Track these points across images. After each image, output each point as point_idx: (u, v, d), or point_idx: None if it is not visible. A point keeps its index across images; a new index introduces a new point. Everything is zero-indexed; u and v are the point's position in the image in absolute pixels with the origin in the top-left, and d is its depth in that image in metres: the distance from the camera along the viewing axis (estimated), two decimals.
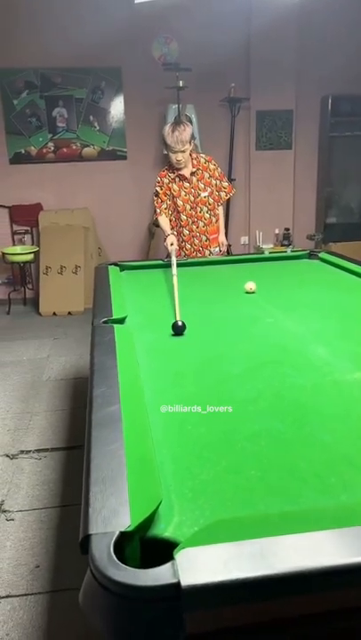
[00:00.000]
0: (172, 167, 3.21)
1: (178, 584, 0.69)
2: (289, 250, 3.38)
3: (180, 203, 3.24)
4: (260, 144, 5.44)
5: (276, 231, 5.53)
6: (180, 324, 1.83)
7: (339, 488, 0.95)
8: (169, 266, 3.13)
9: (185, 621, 0.70)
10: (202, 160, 3.25)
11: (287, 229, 5.47)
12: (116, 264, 3.07)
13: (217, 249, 3.41)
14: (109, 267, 2.97)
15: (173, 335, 1.83)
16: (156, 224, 3.41)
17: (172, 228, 3.29)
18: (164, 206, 3.25)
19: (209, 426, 1.19)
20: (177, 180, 3.22)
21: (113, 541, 0.78)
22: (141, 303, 2.30)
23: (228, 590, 0.70)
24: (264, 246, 5.30)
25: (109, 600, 0.72)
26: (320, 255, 3.16)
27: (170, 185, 3.22)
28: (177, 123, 3.10)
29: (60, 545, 1.96)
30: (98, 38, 4.79)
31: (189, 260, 3.21)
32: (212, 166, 3.28)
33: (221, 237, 3.44)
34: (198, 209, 3.27)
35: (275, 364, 1.55)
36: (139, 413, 1.21)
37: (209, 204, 3.27)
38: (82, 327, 4.57)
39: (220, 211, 3.41)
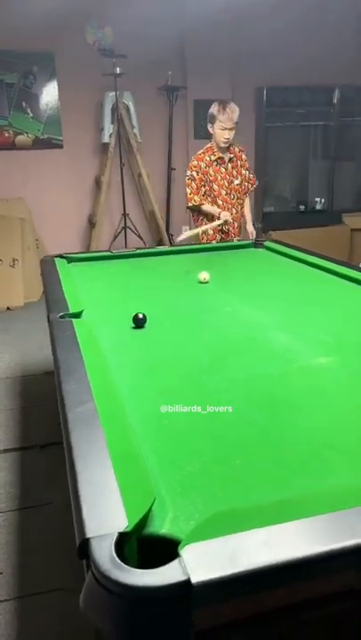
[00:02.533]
0: (209, 150, 3.26)
1: (188, 581, 0.69)
2: (235, 239, 3.42)
3: (215, 187, 3.30)
4: (199, 133, 5.44)
5: None
6: (140, 316, 1.81)
7: (324, 472, 0.97)
8: (118, 257, 3.08)
9: (195, 618, 0.70)
10: (236, 150, 3.36)
11: None
12: (62, 256, 2.98)
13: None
14: (56, 259, 2.88)
15: (135, 328, 1.80)
16: (193, 209, 3.41)
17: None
18: (202, 193, 3.30)
19: (187, 418, 1.19)
20: (215, 163, 3.26)
21: (113, 543, 0.76)
22: (96, 296, 2.24)
23: (239, 582, 0.70)
24: None
25: (117, 603, 0.70)
26: (265, 244, 3.22)
27: (207, 169, 3.25)
28: (225, 101, 3.17)
29: (24, 549, 1.90)
30: (29, 21, 4.58)
31: (137, 252, 3.18)
32: (244, 156, 3.42)
33: (249, 227, 3.52)
34: (232, 195, 3.36)
35: (240, 354, 1.56)
36: (115, 409, 1.18)
37: (239, 193, 3.40)
38: (24, 322, 4.42)
39: (247, 201, 3.51)
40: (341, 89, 5.46)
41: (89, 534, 0.78)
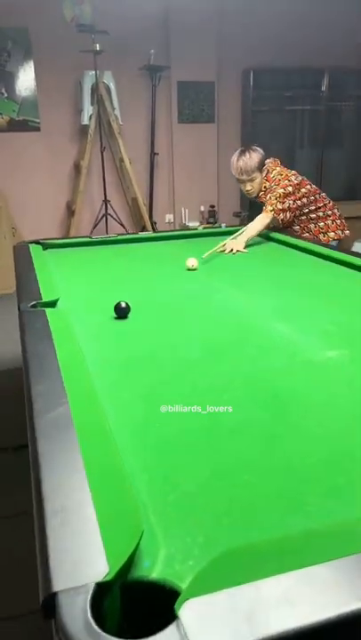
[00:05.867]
0: None
1: None
2: (223, 225, 3.23)
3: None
4: (182, 116, 5.23)
5: (202, 208, 5.38)
6: (123, 305, 1.61)
7: (349, 490, 0.79)
8: (97, 243, 2.87)
9: None
10: (271, 175, 2.92)
11: (212, 206, 5.34)
12: (37, 242, 2.76)
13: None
14: (31, 245, 2.66)
15: (116, 318, 1.61)
16: None
17: None
18: None
19: (179, 422, 1.00)
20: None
21: (89, 600, 0.57)
22: (74, 284, 2.04)
23: None
24: (190, 224, 5.14)
25: None
26: None
27: None
28: (244, 150, 2.86)
29: None
30: None
31: (118, 237, 2.98)
32: (268, 184, 2.90)
33: (241, 240, 2.64)
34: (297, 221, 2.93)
35: (237, 345, 1.38)
36: (93, 413, 0.99)
37: (283, 222, 2.86)
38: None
39: (259, 221, 2.77)
40: (331, 72, 5.28)
41: (57, 587, 0.59)
